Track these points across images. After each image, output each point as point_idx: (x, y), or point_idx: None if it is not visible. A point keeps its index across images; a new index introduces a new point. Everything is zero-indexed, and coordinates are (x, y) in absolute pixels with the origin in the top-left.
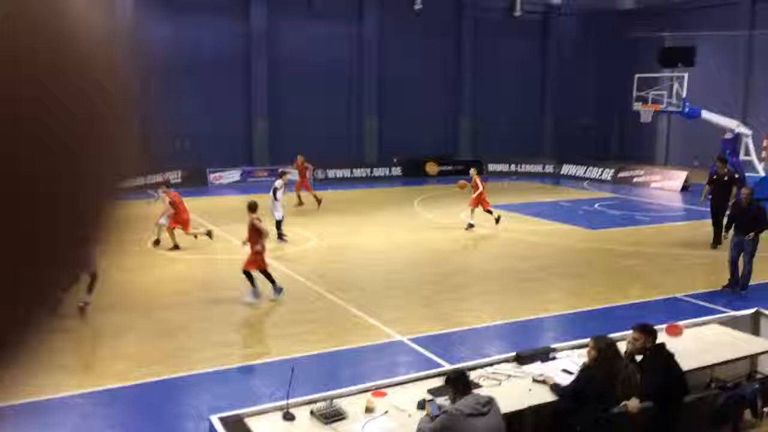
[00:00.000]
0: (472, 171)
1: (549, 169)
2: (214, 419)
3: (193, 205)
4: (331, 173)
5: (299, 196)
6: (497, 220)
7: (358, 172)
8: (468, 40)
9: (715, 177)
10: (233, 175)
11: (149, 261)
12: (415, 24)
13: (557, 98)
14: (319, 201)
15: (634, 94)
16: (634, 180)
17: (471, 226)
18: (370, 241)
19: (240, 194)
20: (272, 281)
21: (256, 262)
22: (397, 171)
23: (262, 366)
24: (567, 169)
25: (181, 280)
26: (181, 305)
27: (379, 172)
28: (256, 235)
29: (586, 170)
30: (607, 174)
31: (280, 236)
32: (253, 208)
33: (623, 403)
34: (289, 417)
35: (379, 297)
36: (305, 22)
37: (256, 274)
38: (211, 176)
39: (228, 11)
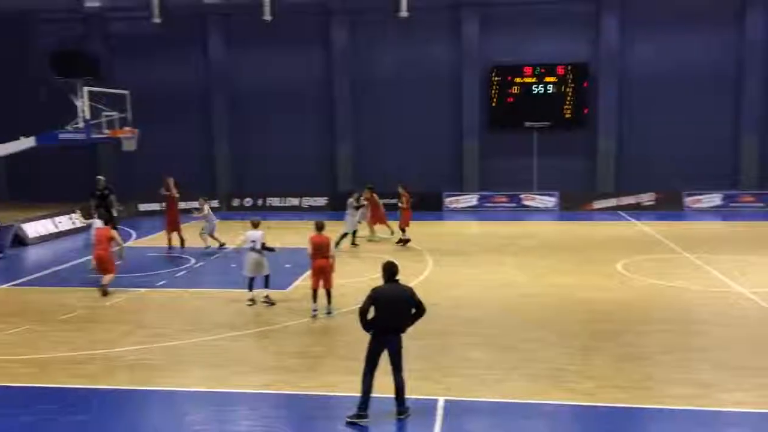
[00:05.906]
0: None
1: None
2: None
3: (664, 230)
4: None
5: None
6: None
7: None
8: None
9: None
10: (713, 199)
11: (619, 284)
12: None
13: None
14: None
15: None
16: None
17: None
18: None
19: (718, 220)
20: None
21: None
22: None
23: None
24: None
25: (654, 308)
26: (652, 332)
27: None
28: None
29: None
30: None
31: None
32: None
33: None
34: None
35: None
36: None
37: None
38: (687, 200)
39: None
